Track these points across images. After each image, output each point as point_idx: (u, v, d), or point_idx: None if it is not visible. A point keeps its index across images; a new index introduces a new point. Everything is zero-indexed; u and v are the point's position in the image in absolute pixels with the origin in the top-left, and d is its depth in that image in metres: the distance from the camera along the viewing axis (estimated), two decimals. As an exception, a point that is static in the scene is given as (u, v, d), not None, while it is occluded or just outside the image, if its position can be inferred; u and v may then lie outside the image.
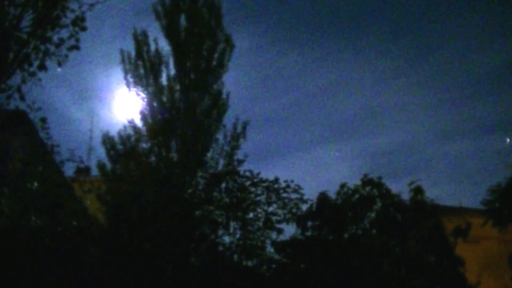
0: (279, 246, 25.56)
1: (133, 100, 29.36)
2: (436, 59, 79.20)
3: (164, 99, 29.02)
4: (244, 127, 29.33)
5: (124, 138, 28.52)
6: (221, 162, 28.59)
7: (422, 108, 76.34)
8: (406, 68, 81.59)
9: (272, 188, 26.41)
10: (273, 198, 26.44)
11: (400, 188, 27.12)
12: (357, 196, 25.03)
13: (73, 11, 14.79)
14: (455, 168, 73.29)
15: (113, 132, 28.63)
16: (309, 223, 25.14)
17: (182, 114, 28.79)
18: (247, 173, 26.83)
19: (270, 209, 26.44)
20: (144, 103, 29.02)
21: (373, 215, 24.85)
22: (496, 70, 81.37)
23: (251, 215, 26.20)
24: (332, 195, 25.37)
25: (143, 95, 29.19)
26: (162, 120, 28.65)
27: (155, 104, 28.95)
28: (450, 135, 78.20)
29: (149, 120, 28.78)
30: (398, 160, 79.35)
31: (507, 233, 25.47)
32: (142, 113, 28.89)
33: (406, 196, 24.86)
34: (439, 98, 78.68)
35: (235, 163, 28.41)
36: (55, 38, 14.65)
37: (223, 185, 26.63)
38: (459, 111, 78.92)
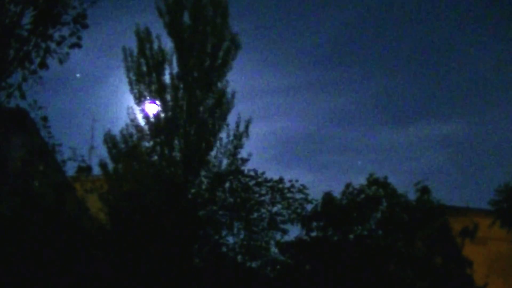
0: (283, 247, 25.38)
1: (135, 99, 29.13)
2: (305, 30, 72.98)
3: (167, 97, 28.79)
4: (247, 126, 29.11)
5: (126, 137, 28.32)
6: (225, 161, 28.39)
7: (310, 90, 72.07)
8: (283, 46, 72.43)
9: (277, 188, 26.21)
10: (278, 198, 26.24)
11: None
12: (362, 196, 24.86)
13: (74, 8, 14.55)
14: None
15: (115, 131, 28.42)
16: (314, 224, 24.95)
17: (185, 113, 28.55)
18: (251, 173, 26.62)
19: (275, 209, 26.30)
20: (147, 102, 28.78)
21: (379, 215, 24.66)
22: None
23: (255, 215, 26.03)
24: (337, 195, 25.18)
25: (145, 93, 28.94)
26: (164, 119, 28.42)
27: (158, 103, 28.70)
28: (346, 120, 74.20)
29: (152, 118, 28.55)
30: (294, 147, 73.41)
31: (515, 234, 25.29)
32: (144, 111, 28.67)
33: (412, 196, 24.69)
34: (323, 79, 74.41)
35: (239, 162, 28.19)
36: (56, 36, 14.42)
37: (227, 185, 26.41)
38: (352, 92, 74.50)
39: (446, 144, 69.20)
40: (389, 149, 69.02)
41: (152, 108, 28.65)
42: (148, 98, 28.89)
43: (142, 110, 28.81)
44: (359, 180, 25.37)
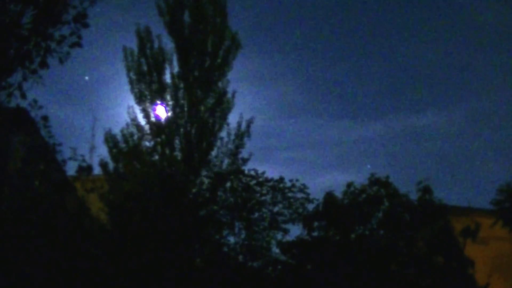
0: (284, 247, 25.29)
1: (136, 98, 29.09)
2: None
3: (168, 97, 28.75)
4: (248, 125, 29.05)
5: (127, 137, 28.30)
6: (226, 161, 28.35)
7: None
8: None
9: (278, 188, 26.14)
10: (279, 197, 26.15)
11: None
12: (364, 195, 24.74)
13: (74, 7, 14.47)
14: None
15: (116, 130, 28.37)
16: (316, 223, 24.84)
17: (186, 112, 28.51)
18: (252, 172, 26.54)
19: (276, 209, 26.21)
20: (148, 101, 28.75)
21: (380, 215, 24.57)
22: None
23: (256, 215, 25.97)
24: (339, 194, 25.10)
25: (146, 93, 28.90)
26: (165, 118, 28.37)
27: (158, 102, 28.66)
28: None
29: (153, 118, 28.51)
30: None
31: (517, 233, 25.17)
32: (145, 111, 28.63)
33: (414, 195, 24.59)
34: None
35: (240, 162, 28.14)
36: (57, 35, 14.34)
37: (228, 184, 26.32)
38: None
39: (423, 137, 67.68)
40: (353, 144, 67.15)
41: (162, 111, 28.57)
42: (156, 101, 28.81)
43: (150, 113, 28.74)
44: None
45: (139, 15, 37.82)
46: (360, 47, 69.68)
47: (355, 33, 70.65)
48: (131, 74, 29.28)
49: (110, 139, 28.09)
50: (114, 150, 27.95)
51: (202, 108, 28.83)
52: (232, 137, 28.99)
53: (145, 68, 29.32)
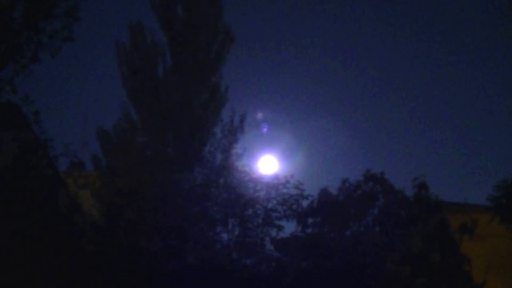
0: (278, 244, 25.08)
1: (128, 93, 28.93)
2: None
3: (161, 91, 28.59)
4: (241, 120, 28.87)
5: (120, 132, 28.08)
6: (219, 156, 28.13)
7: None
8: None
9: (272, 184, 25.90)
10: (273, 194, 25.92)
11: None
12: (359, 192, 24.59)
13: (66, 0, 14.32)
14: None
15: (108, 126, 28.21)
16: (310, 220, 24.72)
17: (178, 108, 28.32)
18: (246, 168, 26.33)
19: (270, 205, 25.94)
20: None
21: (375, 211, 24.44)
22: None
23: (249, 211, 25.70)
24: (333, 190, 24.95)
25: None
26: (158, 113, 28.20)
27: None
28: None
29: (145, 113, 28.33)
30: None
31: (515, 230, 25.10)
32: (138, 106, 28.47)
33: (409, 192, 24.47)
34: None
35: (233, 157, 27.95)
36: (48, 29, 14.19)
37: (221, 180, 26.11)
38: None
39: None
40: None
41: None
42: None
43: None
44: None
45: (131, 9, 37.63)
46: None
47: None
48: (124, 68, 29.09)
49: (102, 134, 27.91)
50: (107, 146, 27.78)
51: (195, 103, 28.66)
52: (226, 132, 28.79)
53: (137, 62, 29.13)
